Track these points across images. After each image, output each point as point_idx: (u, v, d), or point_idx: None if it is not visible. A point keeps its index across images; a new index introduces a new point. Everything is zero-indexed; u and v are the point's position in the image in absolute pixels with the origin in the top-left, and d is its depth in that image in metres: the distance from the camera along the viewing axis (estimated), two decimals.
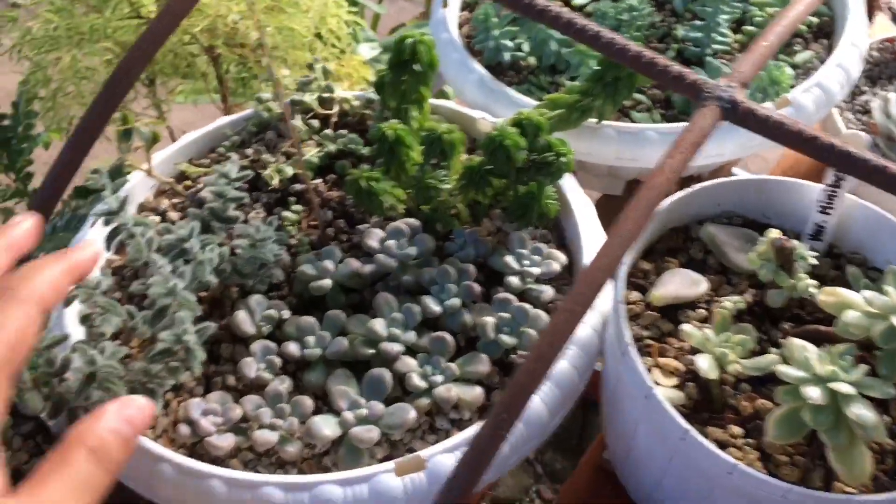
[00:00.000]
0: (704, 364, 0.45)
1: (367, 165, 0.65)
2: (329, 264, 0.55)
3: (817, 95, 0.68)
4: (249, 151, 0.67)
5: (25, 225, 0.38)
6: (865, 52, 0.73)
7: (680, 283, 0.51)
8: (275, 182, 0.62)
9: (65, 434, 0.32)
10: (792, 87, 0.69)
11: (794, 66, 0.73)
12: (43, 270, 0.35)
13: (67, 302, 0.47)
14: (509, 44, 0.76)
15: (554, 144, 0.56)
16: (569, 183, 0.61)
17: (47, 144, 1.14)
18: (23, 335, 0.33)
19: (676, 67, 0.48)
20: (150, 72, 0.86)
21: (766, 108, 0.46)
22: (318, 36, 0.88)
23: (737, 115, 0.46)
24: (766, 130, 0.46)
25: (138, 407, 0.34)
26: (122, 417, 0.33)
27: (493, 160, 0.55)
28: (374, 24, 1.46)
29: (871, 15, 0.92)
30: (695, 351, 0.49)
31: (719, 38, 0.74)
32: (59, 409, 0.44)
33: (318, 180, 0.65)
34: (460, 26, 0.82)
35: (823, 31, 0.78)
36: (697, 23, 0.75)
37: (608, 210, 0.68)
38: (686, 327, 0.47)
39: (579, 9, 0.81)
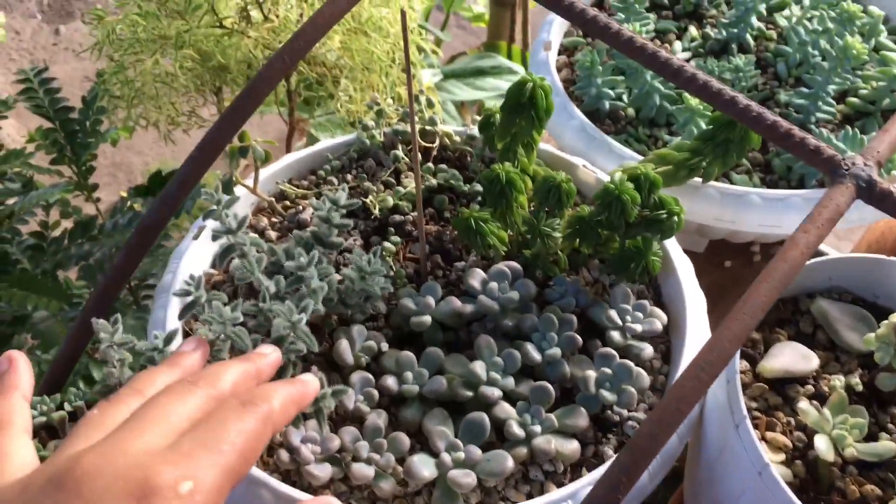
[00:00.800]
0: (822, 445, 0.43)
1: (467, 203, 0.65)
2: (430, 300, 0.55)
3: None
4: (349, 177, 0.67)
5: (273, 357, 0.41)
6: None
7: (791, 357, 0.50)
8: (376, 211, 0.62)
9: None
10: None
11: None
12: (278, 388, 0.38)
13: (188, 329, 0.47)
14: (611, 92, 0.76)
15: (667, 202, 0.55)
16: (672, 243, 0.60)
17: (115, 141, 1.16)
18: (254, 446, 0.33)
19: (813, 141, 0.47)
20: (221, 80, 0.88)
21: None
22: (392, 60, 0.89)
23: (873, 195, 0.45)
24: None
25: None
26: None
27: (607, 212, 0.54)
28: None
29: None
30: (802, 426, 0.48)
31: (825, 108, 0.73)
32: None
33: (416, 213, 0.65)
34: (559, 69, 0.82)
35: None
36: (803, 90, 0.74)
37: None
38: (802, 405, 0.46)
39: None
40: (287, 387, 0.38)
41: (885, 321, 0.48)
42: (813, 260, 0.54)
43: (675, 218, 0.55)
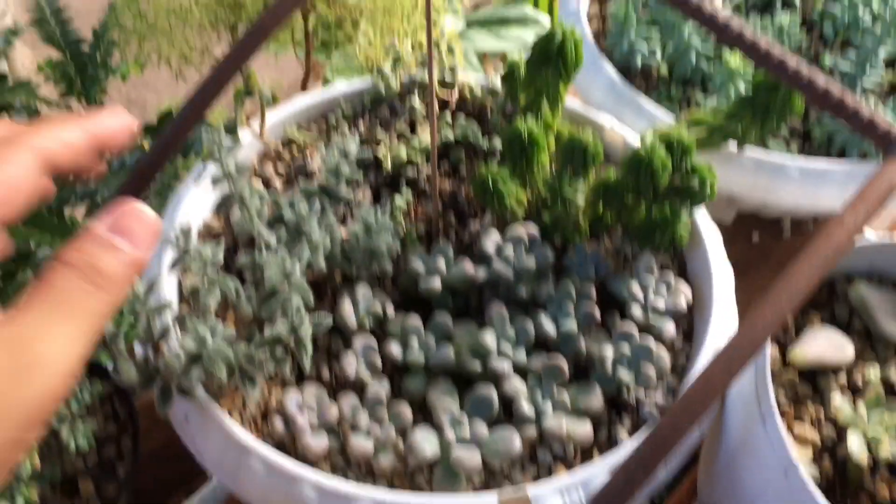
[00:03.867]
0: (856, 445, 0.40)
1: (485, 159, 0.61)
2: (441, 263, 0.51)
3: None
4: (362, 125, 0.63)
5: (117, 119, 0.32)
6: None
7: (826, 345, 0.46)
8: (387, 164, 0.59)
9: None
10: None
11: None
12: (56, 124, 0.30)
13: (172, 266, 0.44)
14: (644, 47, 0.71)
15: (700, 170, 0.51)
16: (701, 213, 0.57)
17: (125, 76, 1.11)
18: (12, 181, 0.28)
19: (868, 112, 0.43)
20: (236, 17, 0.83)
21: None
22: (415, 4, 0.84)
23: None
24: None
25: (142, 220, 0.28)
26: (119, 229, 0.27)
27: (635, 178, 0.50)
28: None
29: None
30: (833, 420, 0.45)
31: (873, 75, 0.68)
32: (151, 382, 0.42)
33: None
34: (590, 19, 0.77)
35: None
36: (851, 55, 0.69)
37: None
38: (836, 400, 0.43)
39: None
40: (73, 119, 0.31)
41: None
42: (857, 245, 0.50)
43: (708, 186, 0.51)
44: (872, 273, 0.52)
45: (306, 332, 0.40)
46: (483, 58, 1.58)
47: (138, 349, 0.42)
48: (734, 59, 0.64)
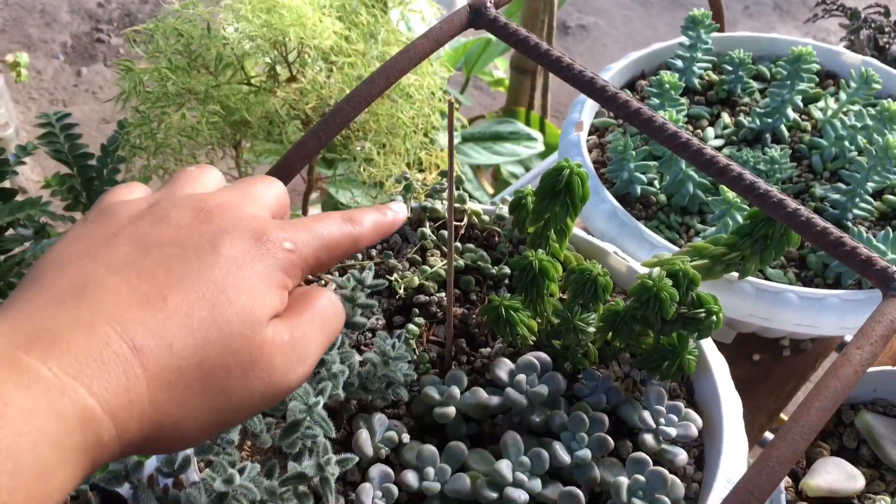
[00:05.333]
0: None
1: (493, 284, 0.63)
2: (455, 391, 0.52)
3: None
4: (374, 253, 0.65)
5: (401, 213, 0.41)
6: None
7: (836, 475, 0.47)
8: (401, 291, 0.60)
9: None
10: None
11: None
12: (372, 213, 0.39)
13: None
14: (643, 177, 0.75)
15: (705, 300, 0.53)
16: (707, 340, 0.58)
17: None
18: (341, 248, 0.37)
19: (865, 251, 0.45)
20: (241, 134, 0.87)
21: None
22: (416, 125, 0.88)
23: None
24: None
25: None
26: None
27: (644, 309, 0.52)
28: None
29: None
30: None
31: (862, 205, 0.72)
32: None
33: (441, 294, 0.63)
34: (589, 150, 0.81)
35: None
36: (841, 185, 0.73)
37: None
38: None
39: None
40: (378, 214, 0.40)
41: None
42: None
43: (714, 317, 0.53)
44: (877, 401, 0.53)
45: (332, 471, 0.41)
46: (476, 170, 1.64)
47: (160, 480, 0.42)
48: (731, 190, 0.67)
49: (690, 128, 0.83)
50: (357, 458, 0.44)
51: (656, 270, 0.53)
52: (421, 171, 0.94)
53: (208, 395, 0.30)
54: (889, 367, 0.51)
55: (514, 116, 1.72)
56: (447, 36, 0.55)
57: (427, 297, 0.61)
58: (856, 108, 0.79)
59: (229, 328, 0.30)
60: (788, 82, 0.78)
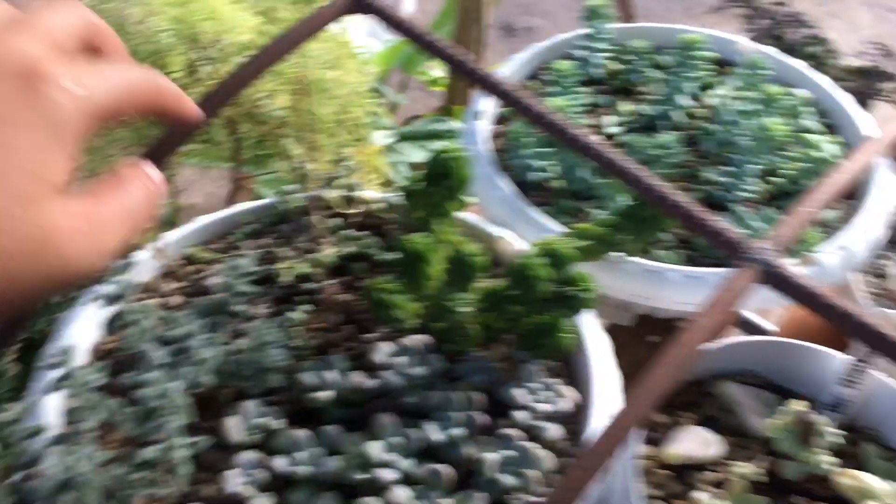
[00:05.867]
0: None
1: (385, 271, 0.64)
2: (330, 375, 0.53)
3: (841, 257, 0.67)
4: (263, 242, 0.66)
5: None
6: (891, 216, 0.73)
7: (693, 442, 0.49)
8: (284, 278, 0.61)
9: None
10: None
11: (819, 224, 0.73)
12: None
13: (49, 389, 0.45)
14: (538, 164, 0.76)
15: (579, 279, 0.54)
16: (588, 318, 0.59)
17: None
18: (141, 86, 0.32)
19: (717, 222, 0.47)
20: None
21: (803, 275, 0.45)
22: (339, 122, 0.88)
23: (772, 280, 0.45)
24: (800, 298, 0.45)
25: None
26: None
27: (517, 288, 0.53)
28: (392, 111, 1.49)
29: None
30: None
31: (746, 188, 0.74)
32: None
33: (333, 280, 0.63)
34: (495, 137, 0.82)
35: (850, 192, 0.78)
36: (726, 168, 0.75)
37: (615, 339, 0.66)
38: (700, 496, 0.45)
39: (609, 137, 0.82)
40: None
41: (785, 408, 0.47)
42: (723, 342, 0.53)
43: (587, 294, 0.54)
44: (742, 372, 0.55)
45: (179, 455, 0.41)
46: (412, 168, 1.64)
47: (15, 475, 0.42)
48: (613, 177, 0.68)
49: (587, 117, 0.84)
50: (211, 438, 0.44)
51: (529, 247, 0.54)
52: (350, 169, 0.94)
53: None
54: (752, 339, 0.53)
55: (451, 115, 1.73)
56: (326, 21, 0.55)
57: (314, 285, 0.61)
58: (744, 93, 0.81)
59: (6, 213, 0.25)
60: (680, 70, 0.80)
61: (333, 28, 1.11)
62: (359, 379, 0.52)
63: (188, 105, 0.36)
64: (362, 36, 1.89)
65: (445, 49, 0.53)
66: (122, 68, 0.31)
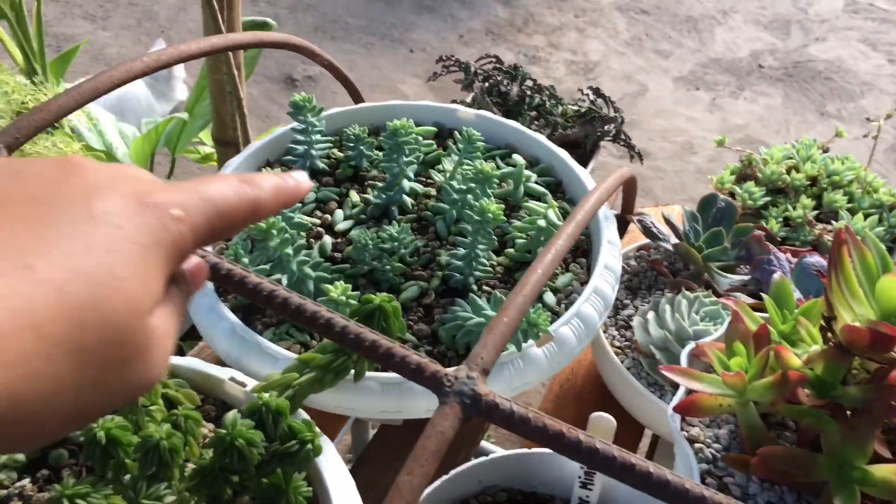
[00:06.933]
0: None
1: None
2: None
3: (577, 327, 0.67)
4: None
5: (304, 182, 0.36)
6: (619, 272, 0.75)
7: None
8: None
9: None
10: (555, 317, 0.68)
11: (555, 291, 0.73)
12: (272, 178, 0.34)
13: None
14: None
15: (298, 431, 0.50)
16: (327, 456, 0.55)
17: None
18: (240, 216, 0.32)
19: (414, 358, 0.43)
20: None
21: (510, 402, 0.42)
22: None
23: (479, 410, 0.42)
24: (511, 426, 0.42)
25: None
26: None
27: (228, 460, 0.47)
28: None
29: (624, 226, 0.96)
30: None
31: (480, 267, 0.73)
32: None
33: (26, 481, 0.54)
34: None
35: (581, 251, 0.79)
36: (460, 251, 0.73)
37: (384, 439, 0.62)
38: None
39: (342, 234, 0.78)
40: (279, 179, 0.35)
41: None
42: (455, 470, 0.50)
43: (310, 446, 0.50)
44: (486, 490, 0.52)
45: None
46: None
47: None
48: (336, 289, 0.65)
49: (320, 213, 0.81)
50: None
51: (230, 415, 0.48)
52: None
53: (81, 389, 0.25)
54: (488, 458, 0.51)
55: None
56: None
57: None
58: (468, 167, 0.81)
59: (115, 317, 0.25)
60: (394, 155, 0.78)
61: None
62: None
63: (288, 191, 0.35)
64: (111, 132, 1.76)
65: None
66: (215, 188, 0.31)
